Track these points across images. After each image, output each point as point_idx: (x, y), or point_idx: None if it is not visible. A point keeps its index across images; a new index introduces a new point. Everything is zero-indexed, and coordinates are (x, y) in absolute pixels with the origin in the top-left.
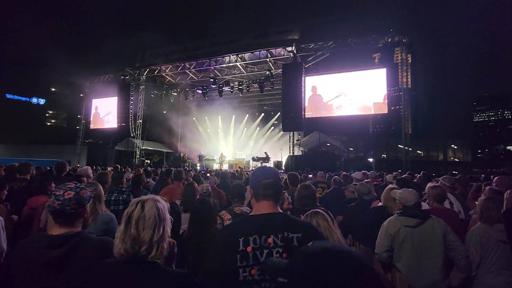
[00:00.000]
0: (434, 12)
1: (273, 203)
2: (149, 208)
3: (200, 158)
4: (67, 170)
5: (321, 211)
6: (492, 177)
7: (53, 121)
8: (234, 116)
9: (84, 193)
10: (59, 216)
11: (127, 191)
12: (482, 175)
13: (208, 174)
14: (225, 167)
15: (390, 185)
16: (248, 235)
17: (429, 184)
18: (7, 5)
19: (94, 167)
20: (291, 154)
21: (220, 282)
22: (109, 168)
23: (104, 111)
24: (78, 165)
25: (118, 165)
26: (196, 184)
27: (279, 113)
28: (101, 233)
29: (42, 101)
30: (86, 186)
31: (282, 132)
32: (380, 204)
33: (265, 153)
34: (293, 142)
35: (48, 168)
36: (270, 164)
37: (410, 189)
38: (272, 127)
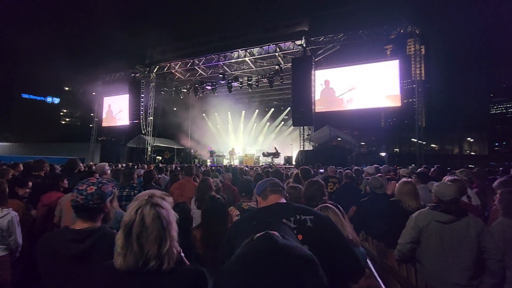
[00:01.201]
0: (447, 0)
1: (281, 196)
2: (151, 219)
3: (211, 153)
4: (80, 166)
5: (331, 205)
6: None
7: (67, 119)
8: (243, 111)
9: (105, 188)
10: (82, 211)
11: (139, 187)
12: (501, 168)
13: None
14: (236, 162)
15: (404, 179)
16: (261, 219)
17: (447, 178)
18: (20, 7)
19: (108, 164)
20: (302, 149)
21: None
22: (119, 165)
23: (117, 109)
24: (91, 163)
25: (129, 163)
26: (211, 180)
27: (289, 108)
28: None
29: (56, 100)
30: (107, 181)
31: (292, 127)
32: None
33: (275, 148)
34: (303, 137)
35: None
36: (281, 159)
37: (449, 183)
38: (282, 122)
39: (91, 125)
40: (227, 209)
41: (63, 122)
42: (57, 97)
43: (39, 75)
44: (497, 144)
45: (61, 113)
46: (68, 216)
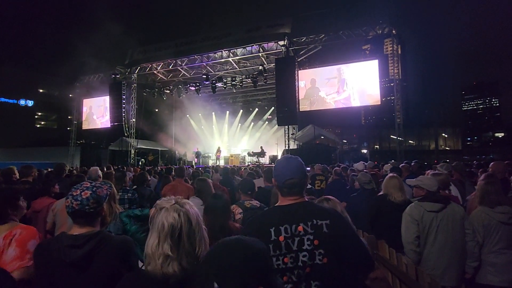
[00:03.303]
0: (421, 1)
1: (300, 196)
2: (194, 218)
3: (197, 154)
4: (67, 171)
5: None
6: (482, 163)
7: (42, 123)
8: (228, 112)
9: (100, 192)
10: (78, 216)
11: (132, 190)
12: (475, 162)
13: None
14: (221, 163)
15: (390, 174)
16: (279, 225)
17: (431, 171)
18: None
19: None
20: (287, 148)
21: None
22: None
23: (98, 111)
24: (72, 167)
25: (110, 165)
26: (209, 180)
27: (273, 107)
28: (121, 233)
29: (30, 103)
30: (101, 184)
31: (276, 126)
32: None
33: (261, 147)
34: (288, 136)
35: (48, 170)
36: (266, 158)
37: (428, 176)
38: (267, 122)
39: (68, 128)
40: (229, 207)
41: (38, 126)
42: (31, 100)
43: (11, 77)
44: (469, 139)
45: (36, 117)
46: (64, 222)
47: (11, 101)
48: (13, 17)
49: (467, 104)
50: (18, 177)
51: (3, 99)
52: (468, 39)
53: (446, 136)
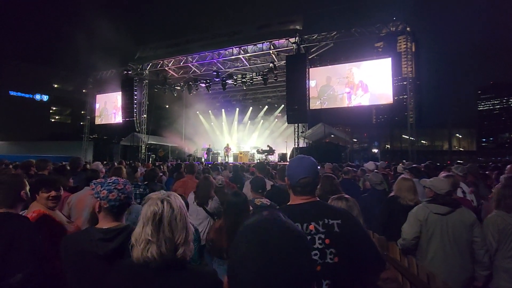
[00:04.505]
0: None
1: (312, 196)
2: (177, 207)
3: (208, 151)
4: (82, 165)
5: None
6: (499, 165)
7: (57, 117)
8: (238, 109)
9: (129, 188)
10: (110, 211)
11: (143, 185)
12: (491, 164)
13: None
14: (231, 160)
15: (402, 175)
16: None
17: (442, 174)
18: (8, 1)
19: (105, 162)
20: (296, 146)
21: None
22: (115, 164)
23: (110, 106)
24: (86, 162)
25: (122, 160)
26: (212, 178)
27: (283, 105)
28: (135, 225)
29: (45, 98)
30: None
31: (286, 124)
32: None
33: (268, 146)
34: (297, 134)
35: (63, 164)
36: (275, 156)
37: (441, 178)
38: (276, 120)
39: (82, 123)
40: (248, 205)
41: (53, 120)
42: (46, 95)
43: (27, 72)
44: (484, 140)
45: (51, 111)
46: (79, 216)
47: (27, 95)
48: (29, 14)
49: (483, 104)
50: (35, 171)
51: (19, 94)
52: (485, 36)
53: (460, 136)
